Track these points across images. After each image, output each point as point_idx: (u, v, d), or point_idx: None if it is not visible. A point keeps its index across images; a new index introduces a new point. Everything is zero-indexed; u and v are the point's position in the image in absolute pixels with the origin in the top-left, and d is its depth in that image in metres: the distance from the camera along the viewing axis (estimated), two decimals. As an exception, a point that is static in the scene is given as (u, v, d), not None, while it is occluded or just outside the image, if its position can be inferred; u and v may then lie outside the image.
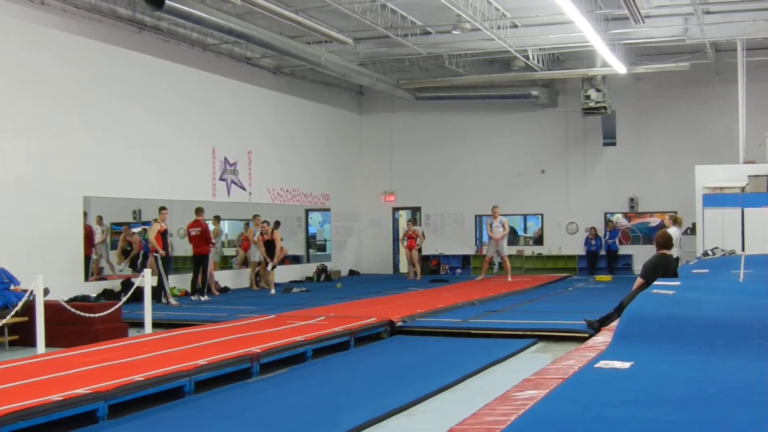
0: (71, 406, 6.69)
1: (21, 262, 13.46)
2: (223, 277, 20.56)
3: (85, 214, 16.94)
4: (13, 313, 10.82)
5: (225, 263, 21.96)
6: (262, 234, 19.76)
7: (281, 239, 20.45)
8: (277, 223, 21.46)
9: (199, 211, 18.04)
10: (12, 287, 11.96)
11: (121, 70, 17.69)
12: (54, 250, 15.62)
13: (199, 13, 15.78)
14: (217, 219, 20.96)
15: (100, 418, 6.89)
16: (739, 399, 5.15)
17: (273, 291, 19.53)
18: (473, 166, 26.45)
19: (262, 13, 17.40)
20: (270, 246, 19.73)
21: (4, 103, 15.02)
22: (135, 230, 19.18)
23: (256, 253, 20.62)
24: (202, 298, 17.47)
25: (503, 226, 21.38)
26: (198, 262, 17.88)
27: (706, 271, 12.12)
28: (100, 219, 17.98)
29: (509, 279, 21.35)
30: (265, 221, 20.10)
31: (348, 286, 21.69)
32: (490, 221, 21.82)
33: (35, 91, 15.64)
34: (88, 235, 17.18)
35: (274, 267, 19.89)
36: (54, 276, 13.21)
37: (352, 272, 26.77)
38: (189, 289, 18.05)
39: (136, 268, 18.19)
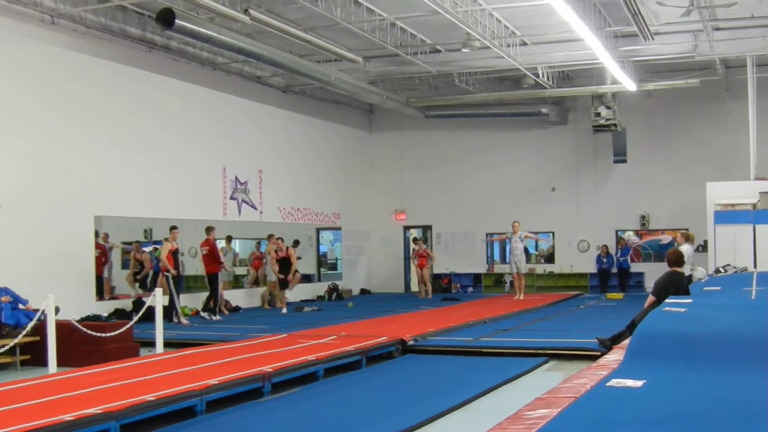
0: (83, 425, 6.67)
1: (32, 282, 13.53)
2: (235, 297, 20.56)
3: (97, 233, 16.98)
4: (24, 332, 10.83)
5: (236, 282, 21.95)
6: (276, 251, 19.76)
7: (298, 258, 20.39)
8: (296, 242, 21.46)
9: (209, 230, 18.07)
10: (20, 306, 11.99)
11: (131, 88, 17.78)
12: (65, 270, 15.65)
13: (208, 32, 15.83)
14: (228, 239, 20.98)
15: (112, 437, 6.89)
16: (749, 416, 5.13)
17: (284, 310, 19.52)
18: (484, 184, 26.43)
19: (271, 32, 17.49)
20: (284, 264, 19.72)
21: (16, 122, 15.10)
22: (146, 249, 19.21)
23: (273, 273, 20.58)
24: (214, 318, 17.47)
25: (521, 241, 21.21)
26: (211, 281, 17.92)
27: (718, 288, 12.07)
28: (106, 236, 17.98)
29: (520, 297, 21.19)
30: (280, 238, 20.09)
31: (359, 304, 21.65)
32: (509, 236, 21.66)
33: (46, 109, 15.72)
34: (102, 254, 17.21)
35: (291, 289, 19.93)
36: (65, 295, 13.22)
37: (363, 291, 26.76)
38: (200, 308, 18.05)
39: (147, 287, 18.20)
